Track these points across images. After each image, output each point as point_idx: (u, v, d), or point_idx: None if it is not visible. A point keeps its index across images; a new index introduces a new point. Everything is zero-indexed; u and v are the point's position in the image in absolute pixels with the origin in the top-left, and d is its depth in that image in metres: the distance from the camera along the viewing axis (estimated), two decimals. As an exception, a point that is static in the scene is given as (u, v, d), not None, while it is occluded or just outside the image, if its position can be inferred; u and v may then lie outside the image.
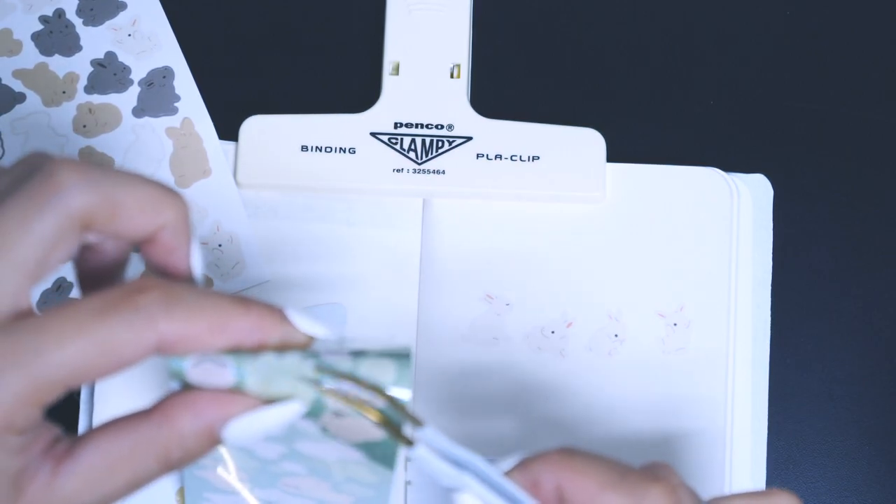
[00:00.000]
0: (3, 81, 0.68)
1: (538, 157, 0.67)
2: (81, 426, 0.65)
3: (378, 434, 0.43)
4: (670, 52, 0.71)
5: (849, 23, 0.72)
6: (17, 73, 0.69)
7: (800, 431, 0.67)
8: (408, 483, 0.65)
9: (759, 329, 0.67)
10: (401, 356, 0.44)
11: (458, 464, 0.44)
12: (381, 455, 0.45)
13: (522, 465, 0.46)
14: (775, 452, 0.66)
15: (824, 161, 0.70)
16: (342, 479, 0.49)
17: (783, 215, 0.68)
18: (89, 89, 0.68)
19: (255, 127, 0.67)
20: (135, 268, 0.60)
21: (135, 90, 0.69)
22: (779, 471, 0.66)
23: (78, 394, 0.66)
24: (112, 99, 0.68)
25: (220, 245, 0.67)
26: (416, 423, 0.43)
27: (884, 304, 0.68)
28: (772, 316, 0.67)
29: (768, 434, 0.66)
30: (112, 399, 0.65)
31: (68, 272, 0.64)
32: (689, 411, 0.65)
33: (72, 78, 0.68)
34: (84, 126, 0.68)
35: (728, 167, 0.68)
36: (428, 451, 0.44)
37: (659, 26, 0.71)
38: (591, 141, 0.67)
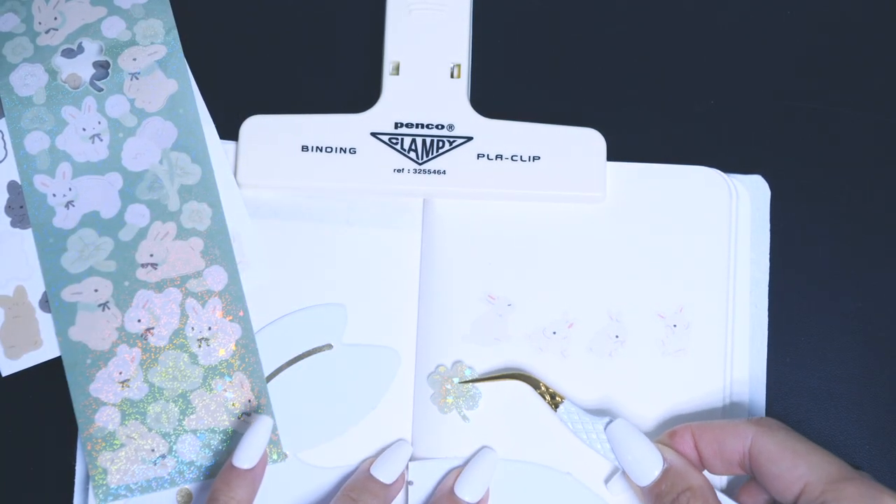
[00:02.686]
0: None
1: (539, 157, 0.66)
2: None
3: None
4: (670, 52, 0.71)
5: (849, 23, 0.72)
6: None
7: (800, 431, 0.66)
8: (409, 483, 0.65)
9: (757, 329, 0.67)
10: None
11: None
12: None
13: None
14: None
15: (823, 161, 0.70)
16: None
17: (780, 215, 0.68)
18: (66, 64, 0.68)
19: (255, 127, 0.67)
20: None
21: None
22: (778, 470, 0.66)
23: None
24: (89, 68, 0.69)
25: None
26: (560, 397, 0.64)
27: (884, 303, 0.68)
28: (772, 315, 0.67)
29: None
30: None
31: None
32: (689, 412, 0.65)
33: (75, 79, 0.68)
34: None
35: (725, 167, 0.68)
36: (573, 406, 0.64)
37: (659, 26, 0.71)
38: (591, 141, 0.67)
